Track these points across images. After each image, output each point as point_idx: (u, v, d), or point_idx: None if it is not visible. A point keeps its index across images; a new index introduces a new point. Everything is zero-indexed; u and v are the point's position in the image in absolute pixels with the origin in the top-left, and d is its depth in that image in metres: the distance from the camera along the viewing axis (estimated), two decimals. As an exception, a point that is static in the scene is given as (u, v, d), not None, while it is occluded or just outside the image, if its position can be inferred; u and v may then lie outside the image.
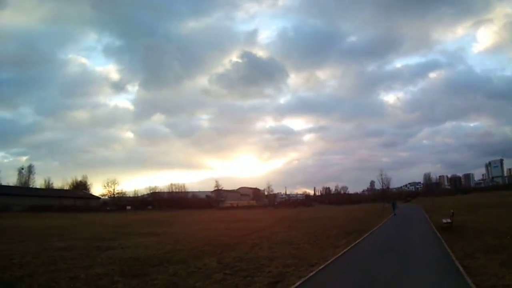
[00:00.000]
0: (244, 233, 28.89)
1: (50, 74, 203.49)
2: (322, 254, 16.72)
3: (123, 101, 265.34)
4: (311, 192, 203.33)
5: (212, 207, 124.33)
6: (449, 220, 25.98)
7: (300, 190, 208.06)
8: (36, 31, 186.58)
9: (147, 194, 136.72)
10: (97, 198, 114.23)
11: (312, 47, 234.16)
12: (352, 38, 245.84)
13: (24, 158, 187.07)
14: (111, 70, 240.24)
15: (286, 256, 16.29)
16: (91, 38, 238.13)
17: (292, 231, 29.29)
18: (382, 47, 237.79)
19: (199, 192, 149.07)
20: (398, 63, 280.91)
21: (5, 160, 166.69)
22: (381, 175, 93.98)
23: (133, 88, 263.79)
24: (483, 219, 30.76)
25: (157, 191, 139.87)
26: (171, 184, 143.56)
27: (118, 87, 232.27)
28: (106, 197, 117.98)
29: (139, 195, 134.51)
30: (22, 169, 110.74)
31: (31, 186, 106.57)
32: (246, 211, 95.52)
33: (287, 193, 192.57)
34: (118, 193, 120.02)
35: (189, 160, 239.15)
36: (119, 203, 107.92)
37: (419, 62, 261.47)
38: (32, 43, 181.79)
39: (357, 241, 21.15)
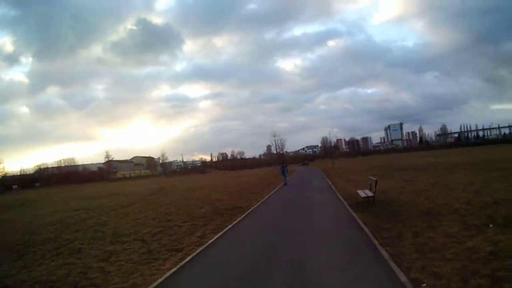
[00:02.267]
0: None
1: None
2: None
3: (18, 74, 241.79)
4: (208, 159, 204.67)
5: (103, 180, 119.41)
6: (369, 193, 16.93)
7: (197, 157, 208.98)
8: None
9: (34, 171, 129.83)
10: None
11: (210, 14, 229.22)
12: (252, 5, 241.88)
13: None
14: (5, 42, 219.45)
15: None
16: None
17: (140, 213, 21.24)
18: (282, 15, 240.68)
19: (91, 164, 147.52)
20: (297, 31, 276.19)
21: None
22: (274, 137, 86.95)
23: (27, 60, 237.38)
24: (408, 187, 21.94)
25: (44, 167, 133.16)
26: (60, 159, 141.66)
27: (12, 59, 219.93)
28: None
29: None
30: None
31: None
32: (133, 182, 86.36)
33: (184, 160, 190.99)
34: (1, 173, 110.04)
35: (86, 133, 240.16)
36: (6, 183, 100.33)
37: (318, 30, 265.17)
38: None
39: (218, 234, 12.84)
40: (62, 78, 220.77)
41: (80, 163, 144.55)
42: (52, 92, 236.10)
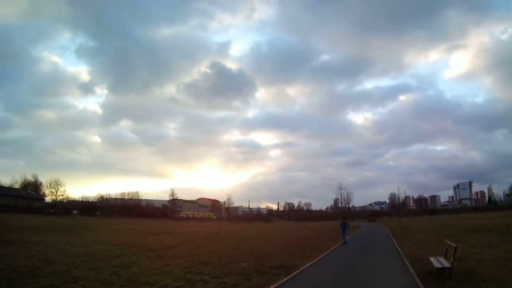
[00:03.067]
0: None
1: (21, 70, 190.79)
2: None
3: (92, 104, 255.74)
4: (275, 207, 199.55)
5: (166, 217, 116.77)
6: (445, 263, 13.20)
7: (264, 205, 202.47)
8: (10, 25, 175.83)
9: (97, 199, 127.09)
10: (42, 199, 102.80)
11: (284, 63, 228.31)
12: (325, 57, 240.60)
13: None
14: (81, 71, 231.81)
15: None
16: (65, 37, 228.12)
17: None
18: (354, 67, 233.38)
19: (155, 200, 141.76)
20: (369, 84, 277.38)
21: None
22: (341, 189, 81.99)
23: (102, 91, 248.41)
24: (486, 254, 18.41)
25: (107, 197, 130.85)
26: (125, 191, 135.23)
27: (87, 89, 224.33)
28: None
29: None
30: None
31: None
32: (193, 223, 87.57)
33: (251, 207, 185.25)
34: (62, 196, 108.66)
35: (153, 169, 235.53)
36: (67, 206, 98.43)
37: (389, 85, 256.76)
38: (5, 37, 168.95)
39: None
40: (135, 113, 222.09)
41: (144, 197, 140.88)
42: (124, 125, 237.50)
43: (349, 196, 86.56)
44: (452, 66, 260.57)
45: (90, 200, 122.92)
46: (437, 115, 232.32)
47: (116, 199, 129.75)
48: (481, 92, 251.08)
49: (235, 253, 21.89)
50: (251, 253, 21.76)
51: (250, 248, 25.13)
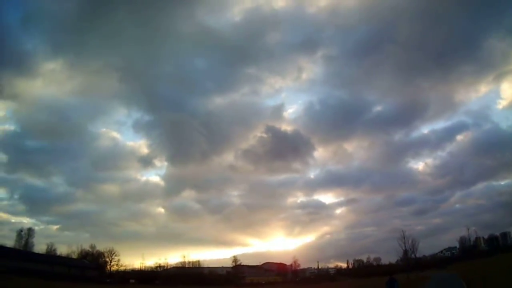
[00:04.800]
0: None
1: (82, 146, 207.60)
2: None
3: (153, 176, 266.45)
4: (344, 265, 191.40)
5: (230, 284, 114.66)
6: None
7: (332, 264, 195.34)
8: (67, 103, 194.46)
9: (155, 268, 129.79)
10: (95, 268, 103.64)
11: (337, 119, 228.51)
12: (377, 107, 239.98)
13: (55, 227, 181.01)
14: (140, 145, 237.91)
15: None
16: (121, 112, 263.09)
17: None
18: (407, 114, 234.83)
19: (218, 267, 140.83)
20: (425, 129, 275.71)
21: (36, 227, 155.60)
22: (404, 238, 76.62)
23: (162, 163, 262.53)
24: None
25: (165, 265, 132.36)
26: (184, 260, 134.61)
27: (146, 162, 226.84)
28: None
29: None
30: (21, 231, 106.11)
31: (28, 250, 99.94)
32: None
33: (320, 267, 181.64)
34: (117, 265, 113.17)
35: (219, 237, 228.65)
36: (125, 276, 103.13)
37: (445, 126, 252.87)
38: (63, 114, 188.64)
39: None
40: (196, 183, 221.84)
41: (206, 265, 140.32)
42: (187, 196, 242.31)
43: (415, 244, 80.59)
44: (503, 95, 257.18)
45: (149, 270, 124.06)
46: (495, 148, 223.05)
47: (177, 267, 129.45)
48: None
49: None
50: None
51: None
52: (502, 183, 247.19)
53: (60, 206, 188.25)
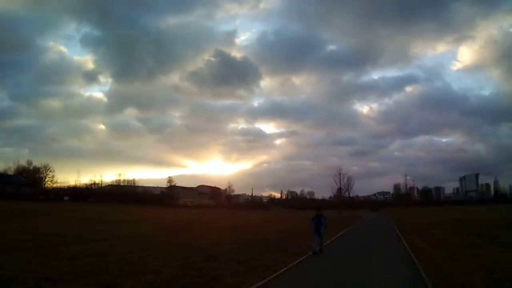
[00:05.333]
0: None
1: (28, 59, 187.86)
2: None
3: (97, 93, 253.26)
4: (278, 195, 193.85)
5: (163, 204, 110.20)
6: None
7: (267, 193, 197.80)
8: (17, 15, 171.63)
9: (89, 185, 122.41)
10: (31, 185, 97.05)
11: (289, 52, 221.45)
12: (331, 46, 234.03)
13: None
14: (87, 60, 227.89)
15: None
16: (71, 26, 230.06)
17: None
18: (360, 58, 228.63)
19: (153, 187, 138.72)
20: (375, 75, 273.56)
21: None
22: (340, 174, 71.08)
23: (106, 80, 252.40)
24: None
25: (99, 183, 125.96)
26: (120, 178, 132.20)
27: (91, 77, 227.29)
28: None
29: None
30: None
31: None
32: (184, 211, 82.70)
33: (254, 195, 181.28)
34: (51, 182, 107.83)
35: (158, 157, 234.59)
36: (59, 193, 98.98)
37: (396, 75, 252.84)
38: (12, 27, 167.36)
39: None
40: (140, 101, 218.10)
41: (143, 185, 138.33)
42: (129, 114, 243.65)
43: (350, 182, 75.17)
44: (460, 58, 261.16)
45: (83, 187, 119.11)
46: (443, 107, 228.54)
47: (112, 185, 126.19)
48: (488, 85, 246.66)
49: (172, 254, 15.24)
50: (194, 255, 14.98)
51: (203, 247, 17.91)
52: (444, 140, 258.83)
53: (1, 121, 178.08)
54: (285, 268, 12.44)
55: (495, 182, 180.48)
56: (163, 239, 21.22)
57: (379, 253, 17.05)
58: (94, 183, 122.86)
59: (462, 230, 26.97)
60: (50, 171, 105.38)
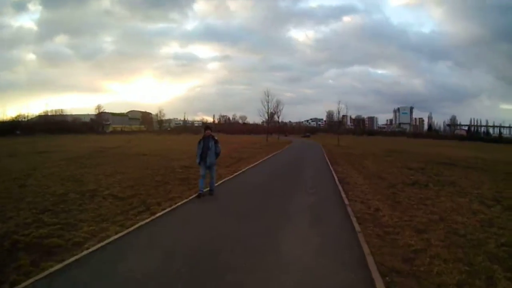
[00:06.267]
0: None
1: None
2: None
3: (27, 21, 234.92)
4: (210, 120, 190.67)
5: (92, 132, 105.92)
6: None
7: (199, 117, 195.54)
8: None
9: (15, 118, 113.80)
10: None
11: None
12: None
13: None
14: None
15: None
16: None
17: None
18: None
19: (83, 115, 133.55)
20: (313, 2, 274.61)
21: None
22: (268, 96, 66.04)
23: (35, 7, 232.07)
24: None
25: (25, 116, 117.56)
26: (46, 107, 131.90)
27: (20, 6, 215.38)
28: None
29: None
30: None
31: None
32: (112, 137, 75.51)
33: (186, 119, 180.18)
34: None
35: (91, 84, 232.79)
36: None
37: (335, 4, 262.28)
38: None
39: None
40: (71, 28, 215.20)
41: (72, 113, 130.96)
42: (60, 41, 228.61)
43: (279, 106, 70.31)
44: None
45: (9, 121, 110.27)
46: (381, 39, 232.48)
47: (40, 116, 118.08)
48: (429, 23, 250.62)
49: (30, 193, 10.99)
50: (61, 193, 10.82)
51: (87, 179, 13.76)
52: (380, 72, 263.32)
53: None
54: (168, 209, 8.98)
55: (429, 117, 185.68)
56: (54, 171, 16.18)
57: (299, 194, 11.43)
58: (21, 116, 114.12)
59: (400, 163, 22.72)
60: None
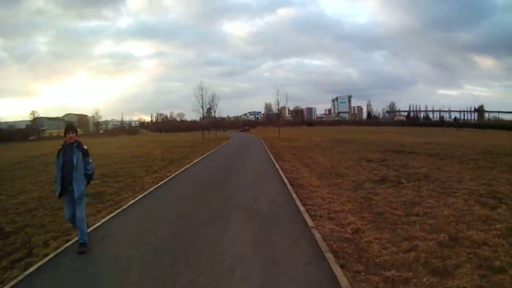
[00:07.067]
0: None
1: None
2: None
3: None
4: (148, 119, 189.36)
5: (25, 139, 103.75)
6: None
7: (137, 117, 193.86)
8: None
9: None
10: None
11: None
12: None
13: None
14: None
15: None
16: None
17: None
18: None
19: (19, 122, 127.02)
20: None
21: None
22: (202, 90, 61.27)
23: None
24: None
25: None
26: None
27: None
28: None
29: None
30: None
31: None
32: (40, 143, 69.70)
33: (125, 120, 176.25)
34: None
35: (24, 87, 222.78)
36: None
37: None
38: None
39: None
40: (3, 29, 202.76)
41: (8, 120, 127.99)
42: None
43: (214, 99, 65.80)
44: None
45: None
46: (315, 30, 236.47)
47: None
48: (363, 13, 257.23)
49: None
50: None
51: None
52: (315, 63, 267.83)
53: None
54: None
55: (368, 105, 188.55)
56: None
57: (235, 216, 7.64)
58: None
59: (354, 155, 20.01)
60: None
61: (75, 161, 6.11)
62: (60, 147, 6.33)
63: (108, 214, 8.27)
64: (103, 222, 7.54)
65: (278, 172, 14.31)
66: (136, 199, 9.86)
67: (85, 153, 6.31)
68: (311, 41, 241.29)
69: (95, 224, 7.35)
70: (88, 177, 6.34)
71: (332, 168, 14.91)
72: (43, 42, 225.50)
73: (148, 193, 10.72)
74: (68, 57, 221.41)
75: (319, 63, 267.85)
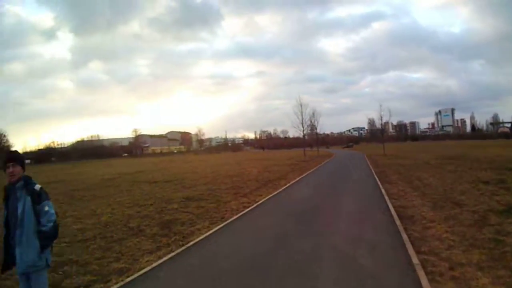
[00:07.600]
0: None
1: None
2: None
3: (59, 50, 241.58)
4: (252, 136, 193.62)
5: (131, 154, 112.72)
6: None
7: (240, 134, 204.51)
8: None
9: (49, 146, 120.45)
10: None
11: None
12: None
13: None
14: (43, 17, 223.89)
15: None
16: None
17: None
18: None
19: (121, 139, 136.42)
20: (341, 11, 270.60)
21: None
22: (301, 106, 58.98)
23: (65, 35, 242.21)
24: None
25: (59, 143, 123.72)
26: (84, 136, 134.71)
27: (50, 35, 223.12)
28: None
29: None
30: None
31: None
32: (143, 160, 74.29)
33: (228, 137, 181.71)
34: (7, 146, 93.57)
35: (127, 107, 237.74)
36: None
37: (363, 12, 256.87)
38: None
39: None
40: (103, 54, 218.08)
41: (109, 137, 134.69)
42: (95, 67, 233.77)
43: (315, 115, 63.22)
44: None
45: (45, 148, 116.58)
46: (411, 43, 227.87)
47: (77, 142, 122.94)
48: (457, 22, 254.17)
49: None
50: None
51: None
52: (414, 75, 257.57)
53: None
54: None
55: (472, 117, 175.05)
56: None
57: (326, 267, 6.06)
58: (55, 143, 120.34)
59: (468, 175, 17.56)
60: (4, 136, 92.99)
61: (19, 212, 3.86)
62: (4, 187, 4.10)
63: (168, 253, 6.98)
64: (160, 264, 6.38)
65: (383, 198, 12.40)
66: (209, 233, 8.53)
67: (37, 197, 3.92)
68: (408, 54, 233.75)
69: (145, 267, 6.22)
70: (45, 237, 3.89)
71: (445, 192, 12.56)
72: (143, 65, 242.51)
73: (224, 225, 9.31)
74: (169, 77, 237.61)
75: (418, 75, 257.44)
